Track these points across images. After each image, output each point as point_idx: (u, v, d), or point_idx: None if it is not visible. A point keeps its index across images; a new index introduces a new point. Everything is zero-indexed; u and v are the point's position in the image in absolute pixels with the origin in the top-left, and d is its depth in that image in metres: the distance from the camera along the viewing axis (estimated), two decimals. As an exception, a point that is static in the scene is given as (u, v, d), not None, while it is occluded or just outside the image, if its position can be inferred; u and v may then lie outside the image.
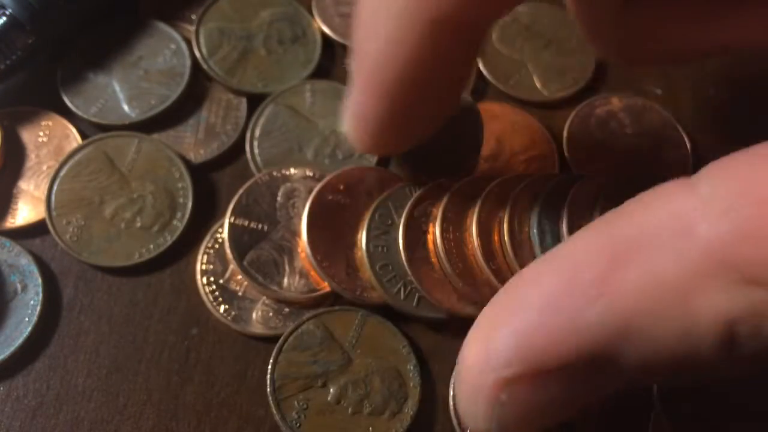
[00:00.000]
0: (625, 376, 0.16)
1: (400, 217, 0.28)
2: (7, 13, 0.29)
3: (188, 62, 0.33)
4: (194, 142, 0.32)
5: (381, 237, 0.28)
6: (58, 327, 0.28)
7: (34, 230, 0.30)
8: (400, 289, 0.27)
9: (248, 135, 0.32)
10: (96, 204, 0.30)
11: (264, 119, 0.32)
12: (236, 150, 0.32)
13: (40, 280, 0.29)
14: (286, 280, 0.28)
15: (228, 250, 0.29)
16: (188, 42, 0.33)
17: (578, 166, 0.33)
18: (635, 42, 0.25)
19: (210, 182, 0.32)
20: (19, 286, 0.29)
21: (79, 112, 0.32)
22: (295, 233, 0.29)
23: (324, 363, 0.27)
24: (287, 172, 0.30)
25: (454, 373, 0.25)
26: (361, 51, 0.23)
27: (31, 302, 0.28)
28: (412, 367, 0.27)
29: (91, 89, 0.32)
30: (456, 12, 0.20)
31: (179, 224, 0.30)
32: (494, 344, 0.16)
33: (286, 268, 0.28)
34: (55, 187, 0.30)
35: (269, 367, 0.27)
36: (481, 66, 0.35)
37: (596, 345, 0.16)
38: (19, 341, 0.28)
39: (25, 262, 0.29)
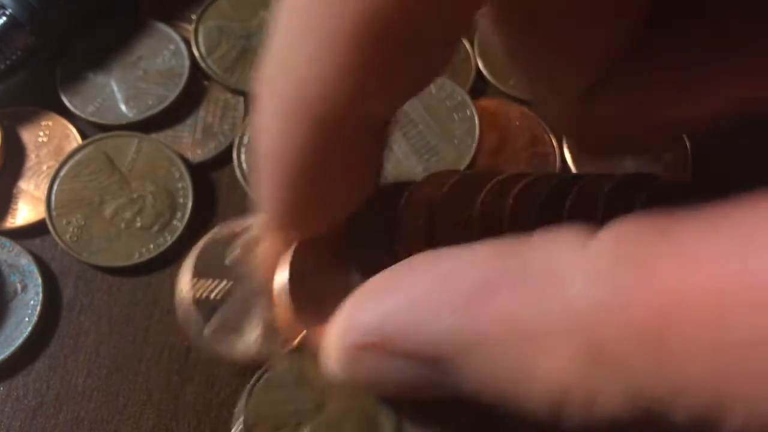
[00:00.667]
0: (462, 390, 0.17)
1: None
2: (7, 13, 0.29)
3: (187, 63, 0.33)
4: (192, 141, 0.32)
5: None
6: (58, 327, 0.28)
7: (34, 230, 0.30)
8: None
9: (236, 142, 0.32)
10: (96, 204, 0.30)
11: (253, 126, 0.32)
12: (235, 150, 0.32)
13: (40, 280, 0.29)
14: (254, 336, 0.27)
15: (191, 314, 0.27)
16: (187, 43, 0.33)
17: (579, 165, 0.32)
18: (608, 133, 0.24)
19: (210, 182, 0.32)
20: (19, 286, 0.29)
21: (77, 111, 0.32)
22: (260, 286, 0.28)
23: (299, 402, 0.26)
24: (244, 225, 0.29)
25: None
26: (257, 136, 0.21)
27: (31, 302, 0.28)
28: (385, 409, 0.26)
29: (90, 88, 0.32)
30: (343, 109, 0.19)
31: (179, 224, 0.30)
32: (360, 314, 0.18)
33: (255, 323, 0.28)
34: (55, 187, 0.30)
35: (241, 405, 0.26)
36: (481, 66, 0.34)
37: (438, 351, 0.16)
38: (19, 341, 0.28)
39: (25, 262, 0.29)
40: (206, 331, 0.26)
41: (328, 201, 0.23)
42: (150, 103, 0.32)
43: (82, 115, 0.32)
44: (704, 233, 0.14)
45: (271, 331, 0.27)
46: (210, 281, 0.27)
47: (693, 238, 0.14)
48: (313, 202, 0.23)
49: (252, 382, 0.27)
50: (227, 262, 0.27)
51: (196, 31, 0.34)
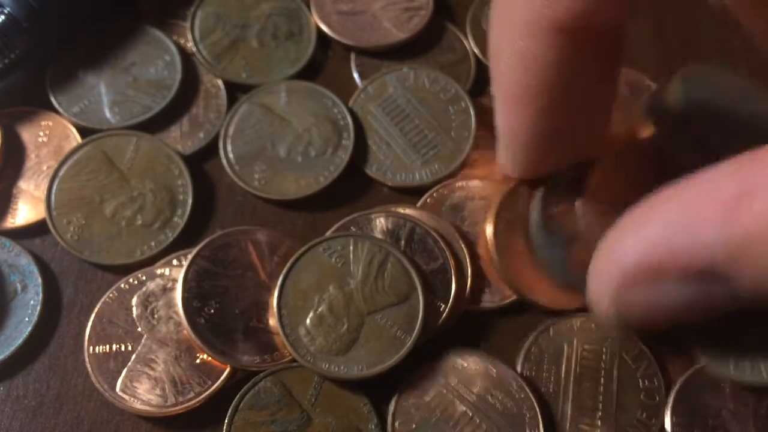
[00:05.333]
0: (737, 296, 0.18)
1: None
2: (6, 11, 0.29)
3: (179, 76, 0.32)
4: (180, 134, 0.32)
5: None
6: (58, 327, 0.28)
7: (34, 230, 0.30)
8: None
9: (222, 132, 0.31)
10: (96, 203, 0.30)
11: (238, 117, 0.32)
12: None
13: (40, 280, 0.28)
14: (158, 392, 0.27)
15: (97, 384, 0.27)
16: (183, 55, 0.33)
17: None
18: None
19: (209, 178, 0.31)
20: (19, 286, 0.28)
21: (61, 110, 0.31)
22: (162, 342, 0.27)
23: (283, 422, 0.26)
24: (135, 281, 0.28)
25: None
26: (495, 68, 0.23)
27: (31, 302, 0.28)
28: (373, 427, 0.26)
29: (78, 88, 0.32)
30: (577, 18, 0.20)
31: (180, 221, 0.30)
32: (622, 249, 0.19)
33: (161, 380, 0.27)
34: (54, 187, 0.30)
35: (224, 428, 0.26)
36: (482, 58, 0.34)
37: (713, 260, 0.17)
38: (19, 341, 0.27)
39: (25, 262, 0.29)
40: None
41: (569, 127, 0.24)
42: (134, 111, 0.32)
43: (66, 114, 0.31)
44: None
45: (174, 383, 0.26)
46: (110, 347, 0.27)
47: None
48: (553, 129, 0.24)
49: (234, 402, 0.26)
50: (124, 323, 0.27)
51: (194, 14, 0.34)
